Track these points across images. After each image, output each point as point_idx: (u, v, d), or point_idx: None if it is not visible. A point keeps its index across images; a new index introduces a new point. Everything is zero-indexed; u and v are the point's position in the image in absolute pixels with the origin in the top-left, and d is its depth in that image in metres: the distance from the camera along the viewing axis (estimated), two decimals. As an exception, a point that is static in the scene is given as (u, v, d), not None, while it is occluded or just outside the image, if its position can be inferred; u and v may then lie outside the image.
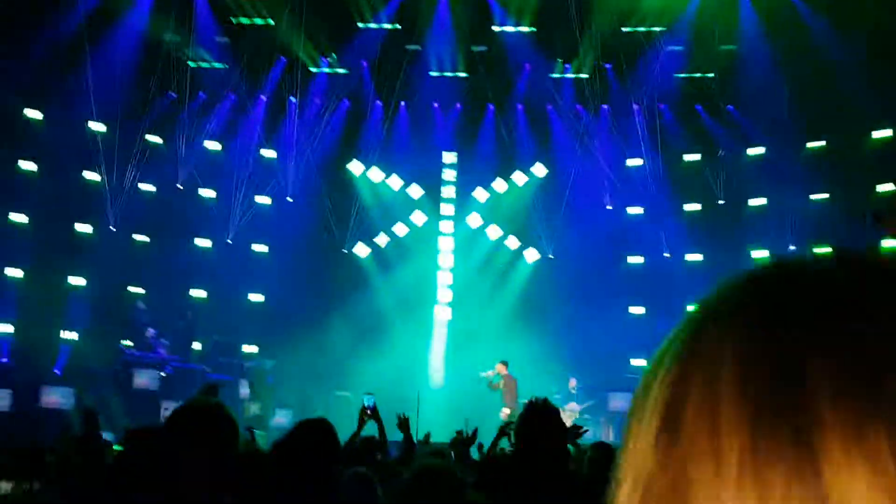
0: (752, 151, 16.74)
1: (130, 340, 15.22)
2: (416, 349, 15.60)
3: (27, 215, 15.26)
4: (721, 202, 16.85)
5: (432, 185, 17.69)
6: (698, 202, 17.05)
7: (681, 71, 17.09)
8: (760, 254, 16.19)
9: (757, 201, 16.51)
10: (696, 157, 17.14)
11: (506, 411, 12.76)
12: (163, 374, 14.04)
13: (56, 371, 13.97)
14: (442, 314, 17.12)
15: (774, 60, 15.72)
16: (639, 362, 15.92)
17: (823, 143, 15.91)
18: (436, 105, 17.72)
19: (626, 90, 16.92)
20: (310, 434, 2.59)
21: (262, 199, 17.57)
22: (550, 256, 17.31)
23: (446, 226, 17.76)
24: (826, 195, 15.74)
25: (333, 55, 17.51)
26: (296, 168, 17.44)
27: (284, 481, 2.52)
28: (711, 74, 17.01)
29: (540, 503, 2.61)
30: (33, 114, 15.54)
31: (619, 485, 0.50)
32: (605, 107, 17.32)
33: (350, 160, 17.55)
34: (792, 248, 15.89)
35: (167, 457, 2.09)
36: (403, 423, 5.47)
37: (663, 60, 16.79)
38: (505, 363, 13.68)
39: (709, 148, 16.95)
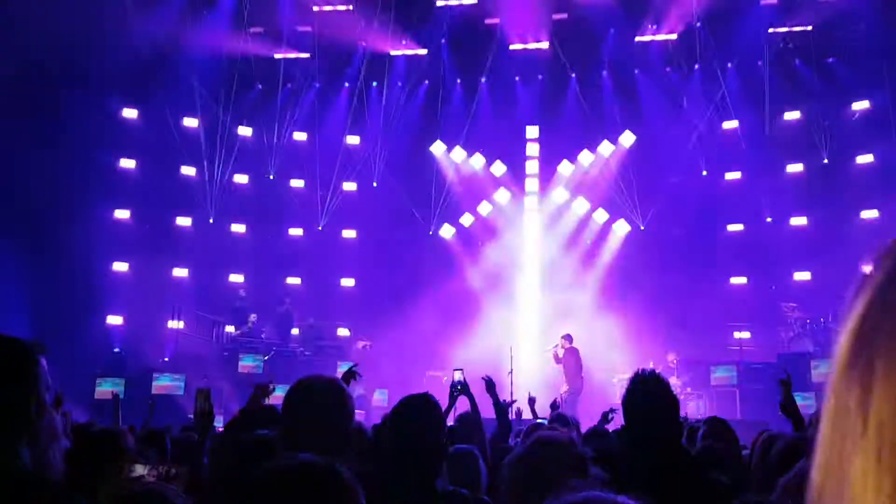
0: (856, 105, 15.68)
1: (234, 327, 15.80)
2: (506, 327, 15.48)
3: (129, 211, 16.04)
4: (825, 161, 15.89)
5: (516, 162, 17.44)
6: (800, 162, 16.13)
7: (777, 25, 16.16)
8: (870, 214, 15.21)
9: (864, 158, 15.46)
10: (797, 114, 16.20)
11: (564, 388, 12.37)
12: (266, 358, 14.49)
13: (166, 359, 14.65)
14: (531, 292, 16.92)
15: (874, 7, 14.66)
16: (742, 335, 15.28)
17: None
18: (517, 79, 17.43)
19: (719, 48, 16.14)
20: (417, 409, 2.54)
21: (349, 186, 17.82)
22: (641, 228, 16.79)
23: (531, 202, 17.50)
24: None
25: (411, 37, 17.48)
26: (380, 153, 17.58)
27: (394, 456, 2.48)
28: (809, 27, 16.00)
29: (653, 479, 2.46)
30: (130, 112, 16.27)
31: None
32: (697, 67, 16.58)
33: (433, 142, 17.52)
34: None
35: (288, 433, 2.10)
36: (490, 386, 5.37)
37: (758, 14, 15.91)
38: (567, 337, 13.23)
39: (809, 105, 15.98)
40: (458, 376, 5.10)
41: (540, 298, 16.62)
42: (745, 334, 15.26)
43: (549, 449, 2.13)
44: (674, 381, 13.80)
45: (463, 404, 5.04)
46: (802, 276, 15.63)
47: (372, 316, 15.93)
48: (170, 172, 16.53)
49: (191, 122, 16.88)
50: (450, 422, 4.31)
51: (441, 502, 2.41)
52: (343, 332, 16.67)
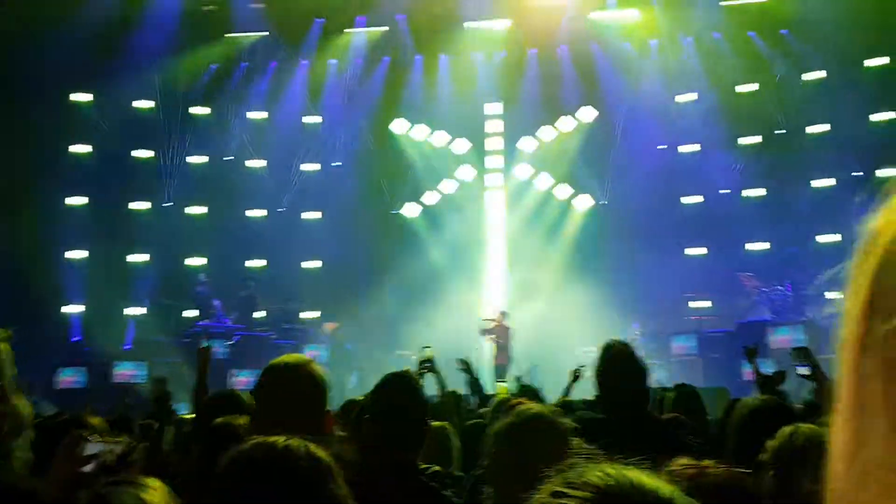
0: (809, 76, 15.96)
1: (196, 312, 15.58)
2: (472, 304, 15.55)
3: (84, 197, 15.65)
4: (780, 132, 16.16)
5: (478, 139, 17.42)
6: (756, 134, 16.39)
7: (731, -1, 16.33)
8: (824, 183, 15.58)
9: (818, 128, 15.78)
10: (753, 86, 16.42)
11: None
12: (230, 343, 14.33)
13: (126, 346, 14.41)
14: (496, 268, 17.00)
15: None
16: (700, 304, 15.57)
17: (887, 60, 15.10)
18: (477, 55, 17.35)
19: (676, 22, 16.25)
20: (399, 387, 2.53)
21: (310, 166, 17.62)
22: (604, 202, 16.95)
23: (494, 179, 17.52)
24: (892, 114, 14.97)
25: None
26: (341, 132, 17.39)
27: (376, 435, 2.47)
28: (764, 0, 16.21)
29: (625, 447, 2.49)
30: (81, 97, 15.81)
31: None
32: (654, 42, 16.69)
33: (393, 120, 17.39)
34: (857, 174, 15.23)
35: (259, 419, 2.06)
36: (466, 366, 5.41)
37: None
38: (503, 313, 13.31)
39: (765, 77, 16.21)
40: (426, 354, 5.14)
41: (505, 275, 16.72)
42: (705, 304, 15.56)
43: (532, 422, 2.15)
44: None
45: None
46: (759, 246, 15.97)
47: (339, 297, 15.85)
48: (123, 156, 16.14)
49: (144, 104, 16.47)
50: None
51: (423, 480, 2.42)
52: (310, 314, 16.55)
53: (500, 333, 13.30)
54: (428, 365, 5.07)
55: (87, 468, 1.86)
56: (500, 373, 12.61)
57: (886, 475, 0.47)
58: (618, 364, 2.93)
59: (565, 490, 0.77)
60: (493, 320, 13.58)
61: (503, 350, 13.14)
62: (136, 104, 16.38)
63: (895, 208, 0.52)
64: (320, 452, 1.40)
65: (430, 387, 5.27)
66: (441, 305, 15.24)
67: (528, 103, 17.06)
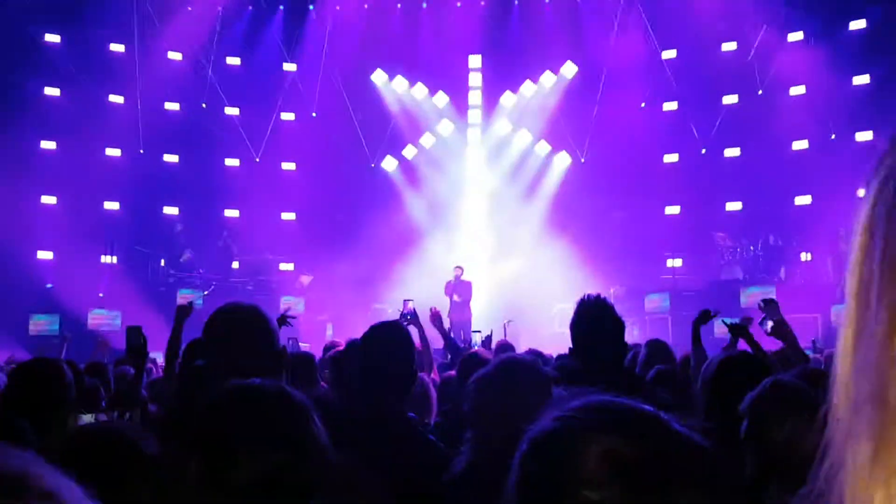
0: (792, 37, 15.94)
1: (170, 261, 15.47)
2: (450, 259, 15.60)
3: (55, 141, 15.32)
4: (760, 93, 16.19)
5: (458, 92, 17.25)
6: (735, 94, 16.40)
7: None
8: (800, 145, 15.70)
9: (797, 90, 15.84)
10: (733, 45, 16.36)
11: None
12: (205, 293, 14.28)
13: (100, 294, 14.29)
14: (475, 224, 17.02)
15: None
16: (675, 262, 15.75)
17: (864, 22, 15.13)
18: (458, 4, 17.06)
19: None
20: (387, 336, 2.55)
21: (287, 116, 17.36)
22: (582, 160, 16.96)
23: (474, 134, 17.42)
24: (867, 78, 15.05)
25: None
26: (319, 81, 17.11)
27: (364, 382, 2.49)
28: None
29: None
30: (53, 38, 15.34)
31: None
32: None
33: (373, 70, 17.13)
34: (833, 136, 15.37)
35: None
36: (436, 317, 5.47)
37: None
38: (461, 268, 13.50)
39: (746, 36, 16.14)
40: (408, 307, 5.18)
41: (483, 230, 16.75)
42: (678, 262, 15.73)
43: (516, 370, 2.19)
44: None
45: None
46: (734, 206, 16.14)
47: (315, 250, 15.79)
48: (97, 101, 15.75)
49: (118, 48, 16.04)
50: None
51: (412, 427, 2.46)
52: (286, 266, 16.51)
53: (461, 289, 13.27)
54: (409, 318, 5.12)
55: None
56: (461, 328, 12.53)
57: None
58: (593, 317, 2.97)
59: (569, 413, 0.82)
60: (453, 276, 13.49)
61: (465, 306, 13.13)
62: (111, 47, 15.95)
63: None
64: (293, 392, 1.43)
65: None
66: (420, 259, 15.26)
67: (511, 56, 16.89)
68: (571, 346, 3.11)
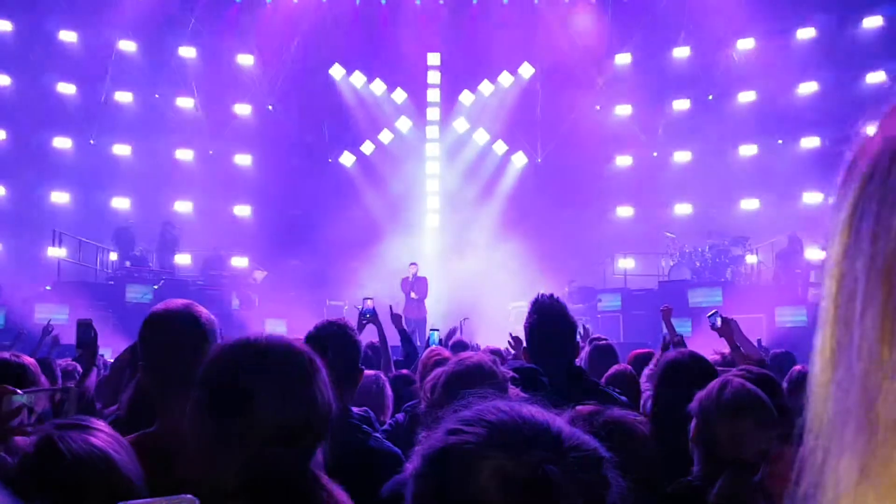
0: (742, 43, 16.38)
1: (121, 255, 15.13)
2: (407, 257, 15.61)
3: (3, 131, 14.88)
4: (710, 97, 16.59)
5: (417, 89, 17.26)
6: (687, 98, 16.77)
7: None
8: (749, 149, 16.14)
9: (746, 95, 16.28)
10: (686, 50, 16.73)
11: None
12: (155, 287, 14.01)
13: (47, 287, 13.90)
14: (431, 222, 17.07)
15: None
16: (626, 263, 16.02)
17: (813, 30, 15.65)
18: (417, 1, 17.06)
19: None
20: (333, 335, 2.56)
21: (242, 108, 17.13)
22: (539, 160, 17.14)
23: (432, 131, 17.46)
24: (815, 85, 15.56)
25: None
26: (276, 74, 16.93)
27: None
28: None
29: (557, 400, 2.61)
30: (1, 24, 14.86)
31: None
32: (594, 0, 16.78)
33: (331, 64, 17.02)
34: (780, 141, 15.86)
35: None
36: (396, 318, 5.48)
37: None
38: (415, 264, 13.55)
39: (698, 40, 16.50)
40: (367, 305, 5.18)
41: (440, 228, 16.81)
42: (630, 262, 16.02)
43: (471, 370, 2.24)
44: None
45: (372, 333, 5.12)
46: (684, 208, 16.52)
47: (269, 245, 15.63)
48: (46, 90, 15.32)
49: (68, 36, 15.61)
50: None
51: (351, 420, 2.47)
52: (239, 260, 16.28)
53: (417, 286, 13.35)
54: (369, 316, 5.12)
55: (19, 420, 1.85)
56: (418, 326, 12.58)
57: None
58: (548, 319, 3.03)
59: (461, 427, 0.81)
60: (409, 273, 13.56)
61: (421, 303, 13.21)
62: (61, 35, 15.52)
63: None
64: (304, 349, 1.48)
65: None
66: (376, 256, 15.23)
67: (469, 55, 16.96)
68: (526, 345, 3.17)
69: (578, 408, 1.83)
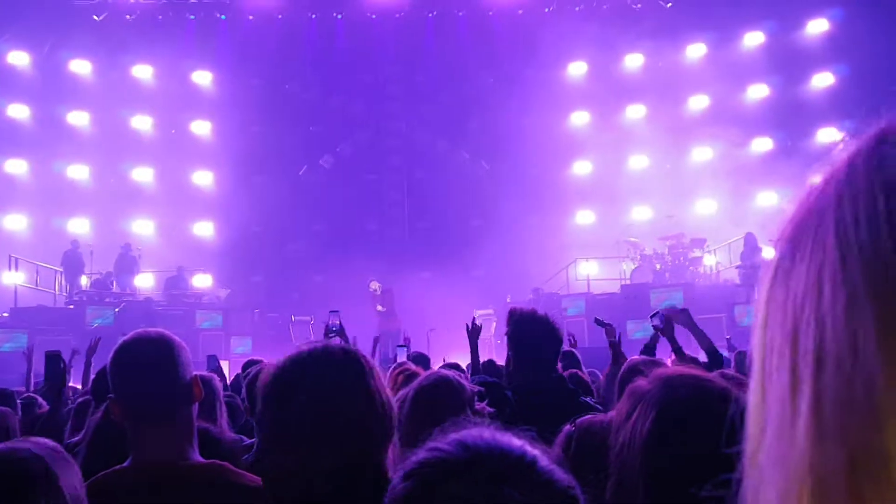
0: (691, 50, 16.77)
1: (68, 277, 14.83)
2: (371, 271, 15.61)
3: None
4: (665, 104, 16.91)
5: (378, 101, 17.32)
6: (643, 104, 17.07)
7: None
8: (704, 152, 16.50)
9: (700, 100, 16.66)
10: (640, 58, 17.05)
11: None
12: (116, 310, 13.79)
13: (4, 314, 13.60)
14: (395, 229, 17.12)
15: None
16: (589, 268, 16.19)
17: (762, 37, 16.18)
18: (373, 16, 17.12)
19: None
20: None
21: (200, 125, 16.99)
22: (485, 166, 17.35)
23: (394, 142, 17.55)
24: (766, 87, 16.04)
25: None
26: (233, 91, 16.82)
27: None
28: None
29: (537, 412, 2.67)
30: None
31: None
32: (548, 10, 17.00)
33: (289, 80, 17.00)
34: (737, 146, 16.24)
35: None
36: (341, 332, 5.31)
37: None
38: (375, 281, 13.66)
39: (651, 46, 16.81)
40: (332, 319, 5.18)
41: (406, 235, 16.87)
42: (593, 268, 16.20)
43: (436, 386, 2.28)
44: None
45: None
46: (643, 212, 16.80)
47: (233, 263, 15.50)
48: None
49: (18, 58, 15.35)
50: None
51: None
52: (201, 279, 16.10)
53: (385, 299, 13.40)
54: (335, 331, 5.13)
55: None
56: (391, 338, 12.62)
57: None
58: (532, 327, 3.05)
59: (440, 446, 0.84)
60: (376, 287, 13.62)
61: (391, 315, 13.24)
62: (9, 57, 15.25)
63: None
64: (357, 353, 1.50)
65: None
66: (338, 271, 15.17)
67: (428, 69, 17.07)
68: (511, 357, 3.17)
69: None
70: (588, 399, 3.12)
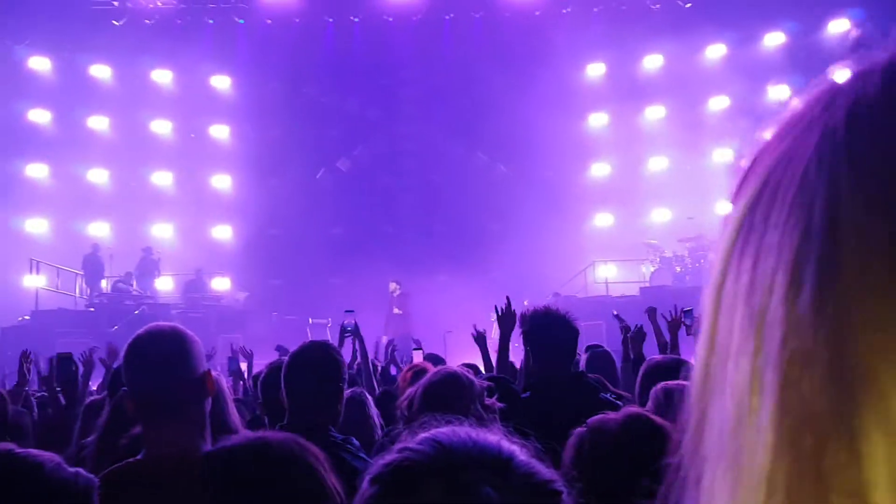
0: (711, 51, 16.63)
1: (88, 281, 14.97)
2: (389, 272, 15.60)
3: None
4: (682, 104, 16.77)
5: (395, 104, 17.32)
6: (662, 104, 16.93)
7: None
8: (724, 153, 16.32)
9: (719, 101, 16.51)
10: (660, 59, 16.91)
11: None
12: (136, 312, 13.88)
13: (26, 317, 13.74)
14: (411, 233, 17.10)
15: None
16: (608, 270, 16.07)
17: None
18: (389, 19, 17.11)
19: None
20: (315, 358, 2.55)
21: (219, 129, 17.10)
22: (502, 168, 17.28)
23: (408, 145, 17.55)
24: (787, 88, 15.84)
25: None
26: (252, 94, 16.91)
27: (290, 406, 2.48)
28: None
29: (554, 408, 2.63)
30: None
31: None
32: (565, 11, 16.91)
33: (307, 83, 17.05)
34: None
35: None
36: (354, 331, 5.26)
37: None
38: (395, 282, 13.65)
39: (670, 48, 16.68)
40: (349, 319, 5.13)
41: (422, 238, 16.84)
42: (612, 270, 16.09)
43: (447, 382, 2.25)
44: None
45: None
46: (663, 213, 16.66)
47: (251, 266, 15.57)
48: (19, 117, 15.22)
49: (40, 63, 15.53)
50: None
51: (328, 442, 2.45)
52: (221, 282, 16.17)
53: (402, 301, 13.42)
54: (350, 331, 5.09)
55: None
56: (404, 341, 12.59)
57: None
58: (551, 327, 3.04)
59: (410, 446, 0.81)
60: (395, 288, 13.66)
61: (406, 318, 13.26)
62: (31, 61, 15.44)
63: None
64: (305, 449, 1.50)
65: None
66: (354, 274, 15.17)
67: (445, 71, 17.05)
68: (528, 354, 3.17)
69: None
70: (608, 395, 3.08)
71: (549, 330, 3.07)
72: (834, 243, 0.34)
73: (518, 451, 0.80)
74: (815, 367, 0.34)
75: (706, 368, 0.41)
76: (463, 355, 8.66)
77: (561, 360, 3.05)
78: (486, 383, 2.44)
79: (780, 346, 0.36)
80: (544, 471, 0.80)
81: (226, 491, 1.42)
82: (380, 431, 3.57)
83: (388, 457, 0.82)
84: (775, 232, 0.37)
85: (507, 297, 4.37)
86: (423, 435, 0.82)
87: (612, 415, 1.88)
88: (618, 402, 3.04)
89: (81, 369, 4.39)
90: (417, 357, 5.69)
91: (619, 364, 4.87)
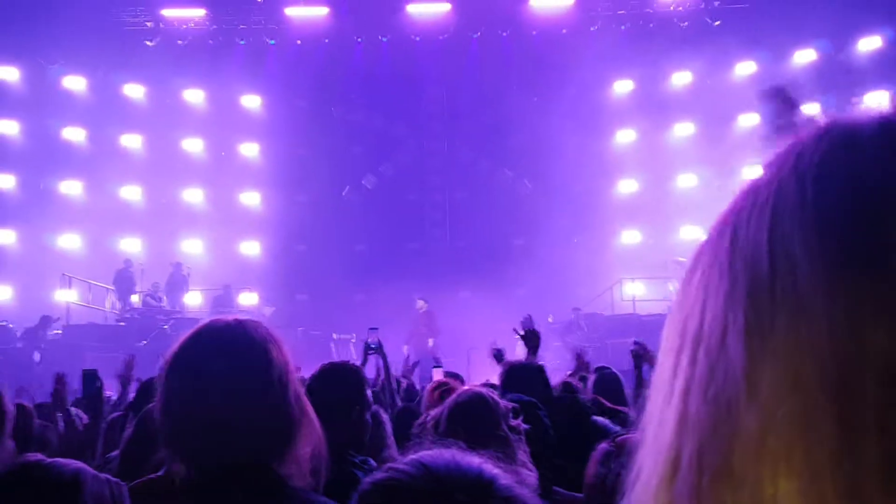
0: (740, 68, 16.50)
1: (119, 296, 15.19)
2: (415, 287, 15.64)
3: (12, 177, 15.08)
4: (711, 123, 16.65)
5: (420, 122, 17.44)
6: (692, 122, 16.83)
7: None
8: (754, 171, 16.08)
9: (748, 118, 16.35)
10: (688, 75, 16.82)
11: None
12: (165, 327, 14.04)
13: (58, 331, 13.98)
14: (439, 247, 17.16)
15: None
16: (635, 288, 15.93)
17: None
18: (417, 38, 17.26)
19: (614, 8, 16.52)
20: (336, 379, 2.55)
21: (249, 147, 17.35)
22: (527, 185, 17.26)
23: (435, 162, 17.64)
24: (818, 106, 15.58)
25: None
26: (281, 114, 17.15)
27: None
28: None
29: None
30: (8, 73, 15.19)
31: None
32: (593, 29, 16.92)
33: (335, 102, 17.25)
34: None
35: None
36: (378, 349, 5.26)
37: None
38: (422, 299, 13.76)
39: (699, 65, 16.58)
40: (371, 336, 5.15)
41: (447, 255, 16.88)
42: (639, 288, 15.94)
43: (472, 402, 2.26)
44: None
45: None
46: (692, 231, 16.48)
47: (278, 281, 15.71)
48: (54, 135, 15.60)
49: (74, 82, 15.92)
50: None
51: (345, 463, 2.45)
52: (248, 298, 16.31)
53: (426, 319, 13.46)
54: (374, 348, 5.10)
55: None
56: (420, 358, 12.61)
57: None
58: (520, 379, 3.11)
59: (396, 467, 0.84)
60: (422, 305, 13.72)
61: (431, 335, 13.30)
62: (66, 81, 15.84)
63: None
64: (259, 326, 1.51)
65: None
66: (379, 291, 15.22)
67: (472, 89, 17.13)
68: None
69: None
70: (600, 419, 3.09)
71: (521, 384, 3.11)
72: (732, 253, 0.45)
73: (500, 474, 0.83)
74: (710, 347, 0.42)
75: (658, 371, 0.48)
76: (487, 373, 8.62)
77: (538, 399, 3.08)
78: (510, 404, 2.44)
79: (695, 330, 0.44)
80: (524, 493, 0.82)
81: None
82: (394, 452, 3.56)
83: (377, 475, 0.85)
84: (710, 250, 0.48)
85: (529, 316, 4.37)
86: (410, 456, 0.85)
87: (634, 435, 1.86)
88: (613, 420, 3.05)
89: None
90: (437, 375, 5.68)
91: (630, 388, 4.79)
